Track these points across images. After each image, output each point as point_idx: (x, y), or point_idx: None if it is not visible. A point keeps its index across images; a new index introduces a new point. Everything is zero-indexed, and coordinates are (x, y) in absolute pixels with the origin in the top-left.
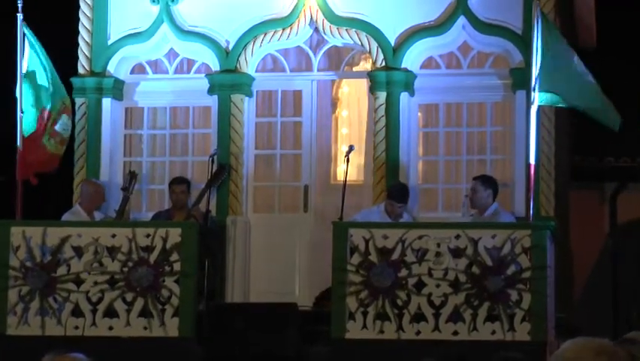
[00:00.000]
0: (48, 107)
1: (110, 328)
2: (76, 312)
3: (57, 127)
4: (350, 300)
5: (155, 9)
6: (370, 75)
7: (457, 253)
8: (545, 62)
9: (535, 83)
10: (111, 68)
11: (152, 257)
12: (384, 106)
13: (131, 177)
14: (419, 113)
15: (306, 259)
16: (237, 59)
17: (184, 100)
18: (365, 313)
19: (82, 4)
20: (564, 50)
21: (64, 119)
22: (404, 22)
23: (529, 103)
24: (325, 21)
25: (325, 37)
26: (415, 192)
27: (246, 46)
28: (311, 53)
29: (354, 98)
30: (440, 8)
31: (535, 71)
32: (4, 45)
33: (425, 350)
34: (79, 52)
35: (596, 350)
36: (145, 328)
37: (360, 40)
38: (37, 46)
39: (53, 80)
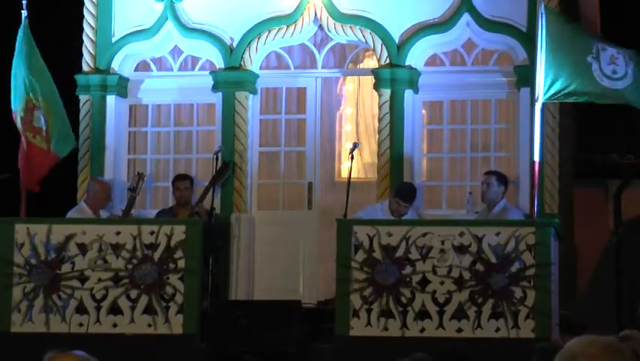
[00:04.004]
0: (15, 108)
1: (114, 325)
2: (81, 309)
3: (35, 123)
4: (354, 297)
5: (160, 6)
6: (374, 72)
7: (461, 250)
8: (550, 58)
9: (544, 79)
10: (115, 65)
11: (157, 254)
12: (388, 103)
13: (139, 178)
14: (423, 111)
15: (310, 257)
16: (242, 57)
17: (188, 97)
18: (369, 311)
19: (86, 2)
20: (573, 47)
21: (37, 114)
22: (408, 20)
23: (533, 100)
24: (329, 18)
25: (329, 34)
26: (419, 190)
27: (250, 43)
28: (315, 51)
29: (358, 95)
30: (444, 5)
31: (539, 68)
32: (9, 43)
33: (429, 347)
34: (83, 49)
35: (604, 346)
36: (149, 325)
37: (364, 38)
38: (24, 41)
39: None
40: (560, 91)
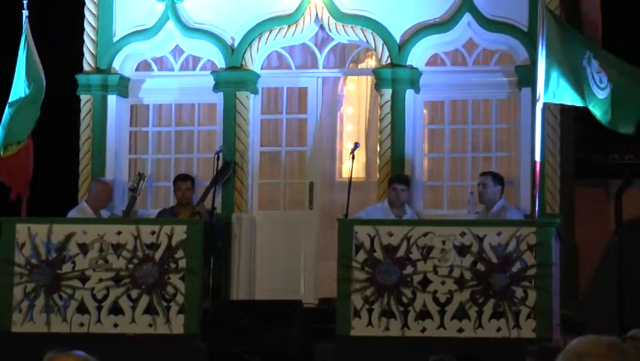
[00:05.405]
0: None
1: (115, 325)
2: (82, 309)
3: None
4: (355, 297)
5: (161, 6)
6: (376, 72)
7: (462, 250)
8: (551, 59)
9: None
10: (116, 65)
11: (158, 254)
12: (389, 103)
13: (140, 178)
14: (424, 111)
15: (311, 257)
16: (243, 56)
17: (189, 97)
18: (370, 311)
19: (87, 1)
20: (571, 48)
21: None
22: (409, 19)
23: (534, 100)
24: (330, 18)
25: (330, 34)
26: (420, 189)
27: (251, 43)
28: (316, 50)
29: (359, 95)
30: (445, 5)
31: (540, 68)
32: (9, 43)
33: (430, 347)
34: (84, 49)
35: (610, 346)
36: (150, 325)
37: (365, 38)
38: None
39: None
40: (559, 91)
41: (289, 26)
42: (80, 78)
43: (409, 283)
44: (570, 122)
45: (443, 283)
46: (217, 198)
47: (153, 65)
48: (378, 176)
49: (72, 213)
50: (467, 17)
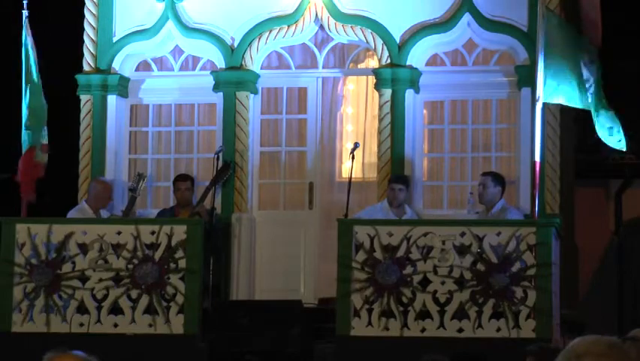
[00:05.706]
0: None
1: (115, 325)
2: (82, 309)
3: (43, 140)
4: (355, 297)
5: (161, 6)
6: (375, 72)
7: (462, 250)
8: (551, 58)
9: (542, 80)
10: (116, 65)
11: (157, 254)
12: (389, 103)
13: (140, 178)
14: (424, 111)
15: (311, 257)
16: (243, 56)
17: (189, 97)
18: (370, 311)
19: (87, 1)
20: (570, 49)
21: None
22: (409, 19)
23: (534, 100)
24: (330, 18)
25: (330, 34)
26: (420, 189)
27: (251, 43)
28: (316, 50)
29: (359, 95)
30: (445, 5)
31: (539, 68)
32: (9, 42)
33: (430, 347)
34: (84, 49)
35: (609, 346)
36: (150, 325)
37: (365, 38)
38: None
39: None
40: (559, 91)
41: (289, 26)
42: (80, 78)
43: (409, 283)
44: (570, 122)
45: (443, 283)
46: (217, 198)
47: (153, 65)
48: (377, 176)
49: (72, 213)
50: (467, 17)
